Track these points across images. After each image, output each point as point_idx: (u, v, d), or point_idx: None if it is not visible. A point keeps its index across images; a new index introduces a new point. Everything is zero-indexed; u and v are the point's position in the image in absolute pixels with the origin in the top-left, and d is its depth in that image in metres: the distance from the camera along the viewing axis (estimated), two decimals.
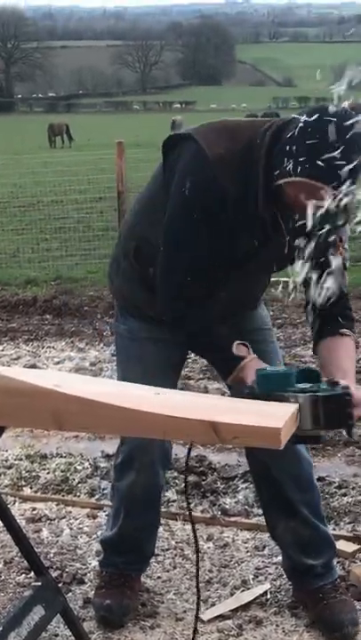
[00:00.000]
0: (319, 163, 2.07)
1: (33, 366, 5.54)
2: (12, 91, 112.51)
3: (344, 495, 3.66)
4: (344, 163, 2.07)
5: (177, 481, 3.81)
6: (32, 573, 2.39)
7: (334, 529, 3.33)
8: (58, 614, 2.21)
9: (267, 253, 2.41)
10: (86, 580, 3.09)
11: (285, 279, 2.31)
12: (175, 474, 3.87)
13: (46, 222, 11.32)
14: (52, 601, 2.15)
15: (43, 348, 6.09)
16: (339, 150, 2.06)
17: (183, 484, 3.73)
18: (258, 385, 2.12)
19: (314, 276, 2.37)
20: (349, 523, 3.42)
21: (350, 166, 2.07)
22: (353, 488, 3.71)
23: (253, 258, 2.42)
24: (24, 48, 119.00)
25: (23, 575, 3.14)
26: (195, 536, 2.00)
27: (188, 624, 2.81)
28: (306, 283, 2.35)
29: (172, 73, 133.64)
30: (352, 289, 7.29)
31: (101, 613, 2.84)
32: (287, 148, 2.15)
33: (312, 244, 2.30)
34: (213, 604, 2.92)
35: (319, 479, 3.78)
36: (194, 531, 2.02)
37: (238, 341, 2.36)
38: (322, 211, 2.14)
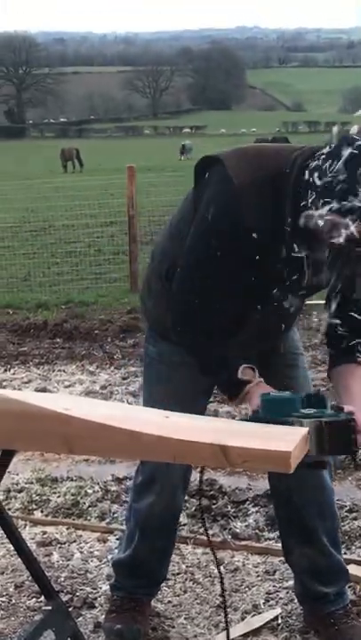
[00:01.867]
0: (343, 197, 2.05)
1: (44, 390, 5.55)
2: (24, 116, 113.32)
3: (355, 519, 3.64)
4: None
5: (187, 504, 3.80)
6: (42, 597, 2.38)
7: (345, 553, 3.30)
8: (68, 639, 2.21)
9: (300, 288, 2.39)
10: (97, 605, 3.09)
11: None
12: (185, 497, 3.86)
13: (57, 246, 11.37)
14: (62, 625, 2.15)
15: (53, 371, 6.11)
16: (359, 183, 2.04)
17: (194, 508, 3.73)
18: (262, 410, 2.11)
19: (334, 306, 2.38)
20: None
21: None
22: None
23: (285, 292, 2.39)
24: (35, 74, 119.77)
25: (34, 599, 3.13)
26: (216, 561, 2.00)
27: None
28: (330, 310, 2.38)
29: (182, 98, 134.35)
30: None
31: (112, 638, 2.82)
32: (312, 181, 2.13)
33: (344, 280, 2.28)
34: (224, 629, 2.91)
35: None
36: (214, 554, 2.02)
37: (245, 365, 2.32)
38: (345, 245, 2.11)
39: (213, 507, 3.77)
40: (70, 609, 2.85)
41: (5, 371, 6.15)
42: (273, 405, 2.08)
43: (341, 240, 2.11)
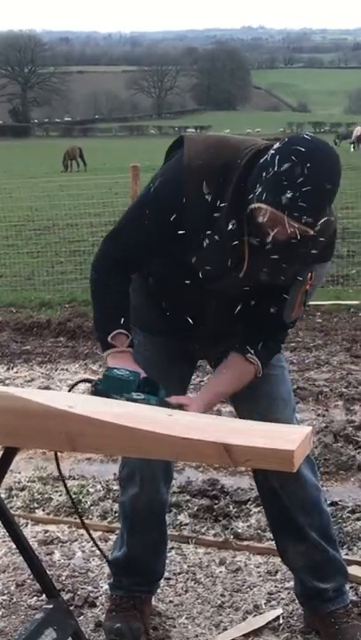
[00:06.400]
0: (280, 191, 2.08)
1: (47, 388, 5.55)
2: (29, 115, 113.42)
3: (358, 520, 3.63)
4: (307, 194, 2.07)
5: (189, 504, 3.79)
6: (44, 596, 2.38)
7: (347, 554, 3.30)
8: (69, 637, 2.20)
9: (245, 276, 2.38)
10: (98, 604, 3.08)
11: None
12: (187, 497, 3.86)
13: (61, 245, 11.37)
14: (63, 624, 2.14)
15: (56, 370, 6.10)
16: (302, 181, 2.06)
17: (196, 508, 3.72)
18: (102, 383, 2.26)
19: (261, 299, 2.45)
20: None
21: (312, 196, 2.07)
22: None
23: (229, 277, 2.40)
24: (41, 73, 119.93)
25: (35, 598, 3.13)
26: None
27: None
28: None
29: (187, 98, 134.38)
30: None
31: (112, 637, 2.82)
32: (258, 173, 2.17)
33: (286, 272, 2.33)
34: (225, 629, 2.90)
35: (332, 504, 3.76)
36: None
37: (120, 330, 2.41)
38: (283, 241, 2.15)
39: (215, 507, 3.76)
40: (71, 608, 2.85)
41: (8, 369, 6.15)
42: (110, 382, 2.24)
43: (275, 234, 2.15)
